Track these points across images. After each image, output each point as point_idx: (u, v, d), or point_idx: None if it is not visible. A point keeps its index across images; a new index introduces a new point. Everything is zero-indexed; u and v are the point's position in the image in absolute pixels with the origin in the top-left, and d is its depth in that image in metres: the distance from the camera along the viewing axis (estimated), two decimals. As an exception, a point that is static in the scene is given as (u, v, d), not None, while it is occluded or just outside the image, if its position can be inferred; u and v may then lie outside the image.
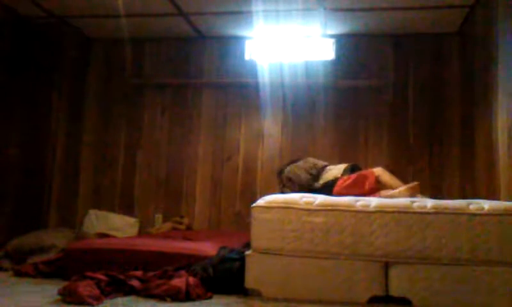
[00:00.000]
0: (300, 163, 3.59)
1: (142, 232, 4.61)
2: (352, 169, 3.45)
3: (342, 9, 4.16)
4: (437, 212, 2.54)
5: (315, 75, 4.65)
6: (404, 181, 4.05)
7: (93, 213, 4.79)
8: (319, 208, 2.63)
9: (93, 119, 4.97)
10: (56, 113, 4.66)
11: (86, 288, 2.46)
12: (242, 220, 4.56)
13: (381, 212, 2.57)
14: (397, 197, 2.84)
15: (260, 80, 4.72)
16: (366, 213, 2.59)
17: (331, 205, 2.64)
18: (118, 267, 2.90)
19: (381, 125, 4.58)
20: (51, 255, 3.48)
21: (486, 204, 2.56)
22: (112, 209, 4.83)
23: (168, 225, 4.50)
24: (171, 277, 2.70)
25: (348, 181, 3.23)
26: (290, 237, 2.62)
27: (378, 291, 2.53)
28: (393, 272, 2.53)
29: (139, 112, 4.95)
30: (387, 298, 2.52)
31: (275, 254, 2.63)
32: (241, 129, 4.79)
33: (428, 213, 2.54)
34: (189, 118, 4.87)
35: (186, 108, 4.89)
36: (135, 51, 4.98)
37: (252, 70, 4.78)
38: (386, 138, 4.56)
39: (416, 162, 4.47)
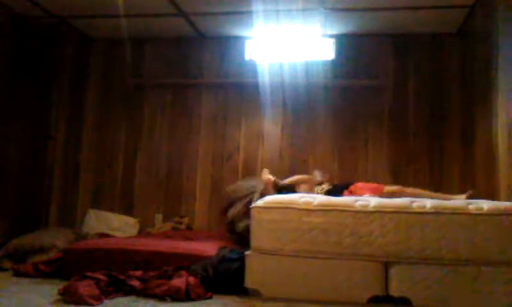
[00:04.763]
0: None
1: (142, 232, 4.61)
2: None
3: (342, 9, 4.15)
4: (437, 212, 2.54)
5: (315, 75, 4.65)
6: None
7: (93, 213, 4.78)
8: (318, 208, 2.63)
9: (93, 120, 4.97)
10: (55, 113, 4.65)
11: (86, 288, 2.47)
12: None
13: (380, 212, 2.57)
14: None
15: (260, 80, 4.71)
16: (365, 213, 2.59)
17: (330, 205, 2.64)
18: (118, 267, 2.90)
19: (381, 125, 4.57)
20: (51, 255, 3.48)
21: (486, 205, 2.57)
22: (112, 209, 4.83)
23: (168, 225, 4.50)
24: (171, 277, 2.71)
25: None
26: (290, 237, 2.62)
27: (378, 291, 2.53)
28: (393, 272, 2.53)
29: (139, 112, 4.94)
30: (387, 298, 2.52)
31: (275, 254, 2.63)
32: (241, 129, 4.79)
33: (427, 213, 2.54)
34: (189, 117, 4.87)
35: (186, 108, 4.88)
36: (135, 51, 4.98)
37: (252, 70, 4.77)
38: (386, 138, 4.55)
39: (416, 162, 4.46)
